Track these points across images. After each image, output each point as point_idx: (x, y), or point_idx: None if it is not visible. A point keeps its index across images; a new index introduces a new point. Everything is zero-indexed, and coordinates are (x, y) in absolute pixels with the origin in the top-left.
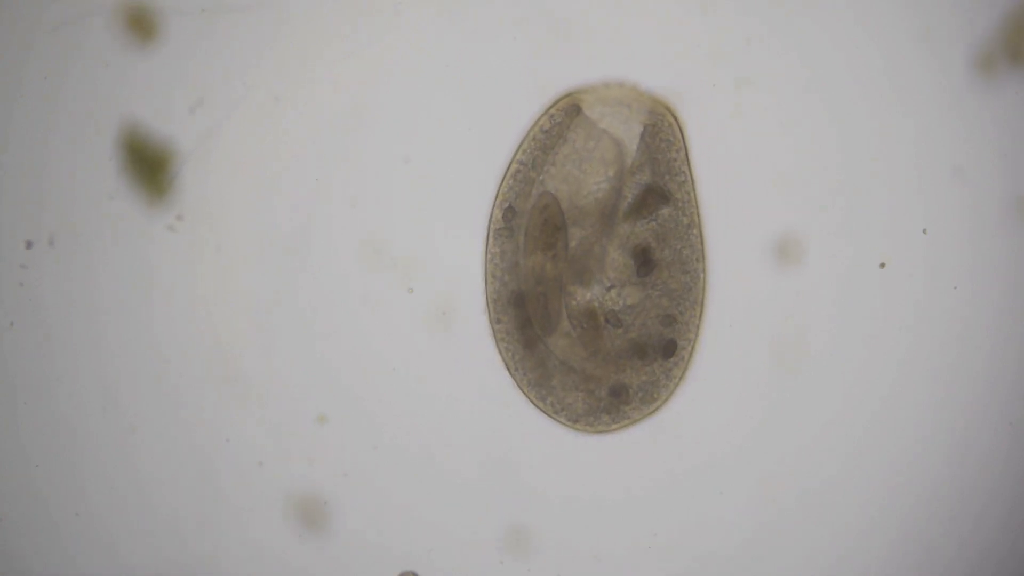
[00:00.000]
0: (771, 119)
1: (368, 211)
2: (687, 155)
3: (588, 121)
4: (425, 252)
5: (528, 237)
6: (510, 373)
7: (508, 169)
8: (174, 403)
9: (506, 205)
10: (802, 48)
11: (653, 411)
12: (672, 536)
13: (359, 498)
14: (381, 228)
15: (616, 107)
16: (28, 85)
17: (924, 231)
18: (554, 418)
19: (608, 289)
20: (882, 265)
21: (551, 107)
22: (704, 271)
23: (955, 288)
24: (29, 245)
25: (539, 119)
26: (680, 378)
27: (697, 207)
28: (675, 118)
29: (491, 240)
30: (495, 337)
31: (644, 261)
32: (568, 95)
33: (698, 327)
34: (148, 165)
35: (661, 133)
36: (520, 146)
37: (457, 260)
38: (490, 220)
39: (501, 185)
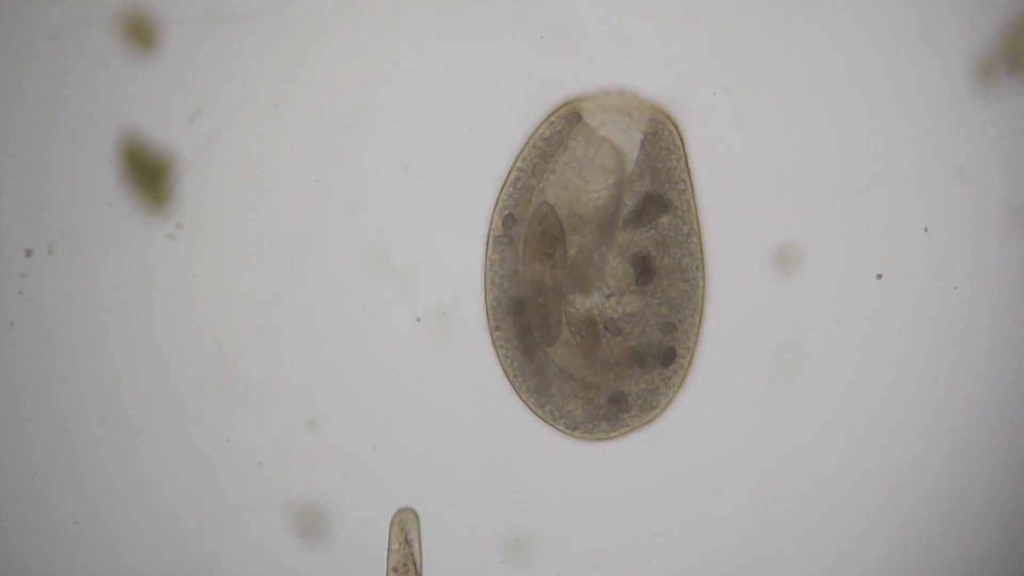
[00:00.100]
0: (771, 127)
1: (368, 218)
2: (687, 163)
3: (588, 129)
4: (425, 259)
5: (527, 246)
6: (509, 380)
7: (508, 176)
8: (174, 404)
9: (506, 212)
10: (802, 57)
11: (652, 419)
12: (672, 536)
13: (359, 498)
14: (381, 235)
15: (616, 115)
16: (28, 93)
17: (926, 229)
18: (553, 425)
19: (607, 297)
20: (879, 276)
21: (551, 115)
22: (704, 279)
23: (955, 288)
24: (28, 253)
25: (539, 126)
26: (679, 386)
27: (697, 215)
28: (675, 126)
29: (491, 247)
30: (494, 344)
31: (644, 269)
32: (568, 103)
33: (697, 335)
34: (148, 174)
35: (661, 141)
36: (520, 153)
37: (457, 267)
38: (490, 227)
39: (501, 192)
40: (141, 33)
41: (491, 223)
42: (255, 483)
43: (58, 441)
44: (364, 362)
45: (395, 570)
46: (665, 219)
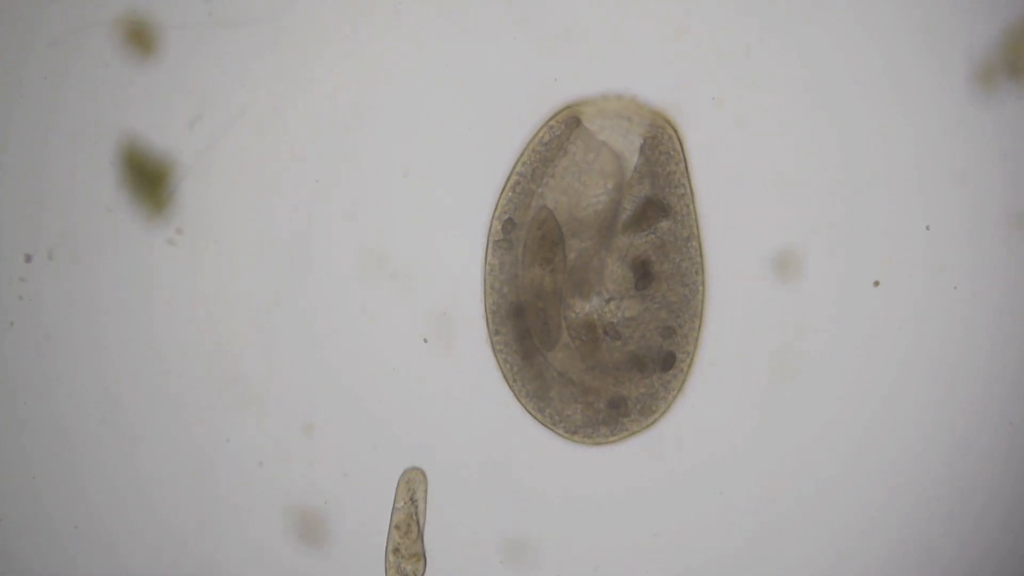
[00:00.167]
0: (771, 131)
1: (367, 222)
2: (687, 168)
3: (588, 133)
4: (424, 262)
5: (526, 251)
6: (508, 384)
7: (508, 181)
8: (174, 404)
9: (506, 217)
10: (802, 62)
11: (651, 423)
12: (672, 537)
13: (359, 498)
14: (380, 238)
15: (616, 120)
16: (27, 98)
17: (927, 227)
18: (552, 430)
19: (607, 301)
20: (876, 284)
21: (551, 119)
22: (703, 283)
23: (955, 288)
24: (28, 258)
25: (539, 131)
26: (679, 390)
27: (696, 220)
28: (675, 131)
29: (490, 252)
30: (493, 348)
31: (643, 274)
32: (568, 107)
33: (697, 339)
34: (147, 179)
35: (661, 146)
36: (520, 158)
37: (456, 271)
38: (489, 232)
39: (501, 197)
40: (141, 38)
41: (491, 228)
42: (255, 483)
43: (58, 441)
44: (364, 363)
45: (397, 527)
46: (665, 224)
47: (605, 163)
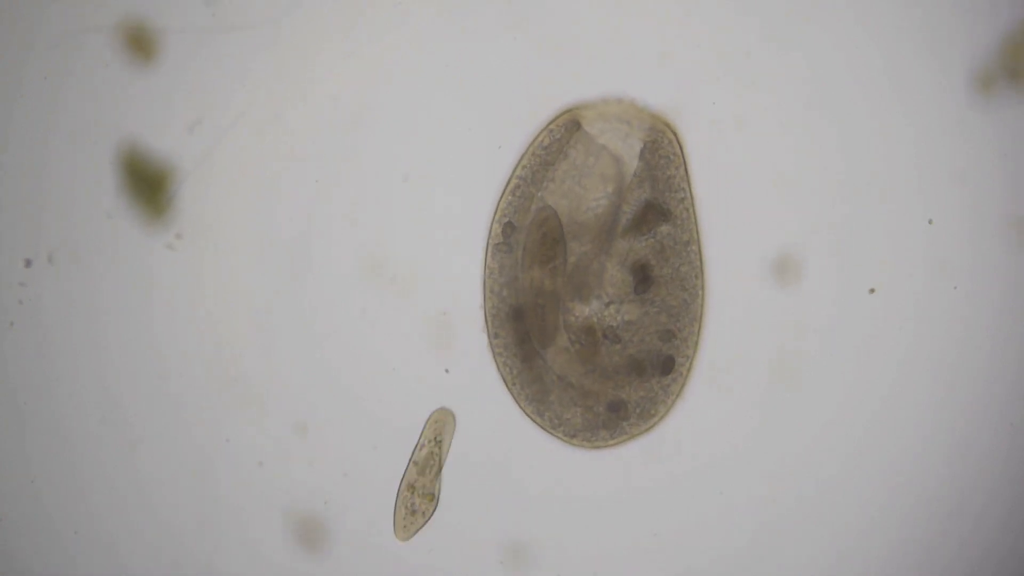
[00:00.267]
0: (771, 136)
1: (367, 224)
2: (687, 172)
3: (588, 137)
4: (424, 265)
5: (527, 251)
6: (507, 387)
7: (507, 184)
8: (174, 405)
9: (505, 220)
10: (804, 66)
11: (651, 426)
12: (672, 537)
13: (359, 498)
14: (380, 241)
15: (616, 123)
16: (26, 102)
17: (930, 221)
18: (552, 433)
19: (607, 305)
20: (871, 291)
21: (551, 123)
22: (703, 287)
23: (955, 288)
24: (28, 263)
25: (539, 135)
26: (678, 394)
27: (696, 224)
28: (675, 135)
29: (490, 255)
30: (493, 351)
31: (642, 278)
32: (568, 111)
33: (696, 343)
34: (147, 184)
35: (661, 150)
36: (519, 162)
37: (456, 274)
38: (489, 235)
39: (500, 201)
40: (140, 43)
41: (490, 231)
42: (255, 483)
43: (58, 441)
44: (364, 363)
45: (415, 463)
46: (664, 228)
47: (605, 167)
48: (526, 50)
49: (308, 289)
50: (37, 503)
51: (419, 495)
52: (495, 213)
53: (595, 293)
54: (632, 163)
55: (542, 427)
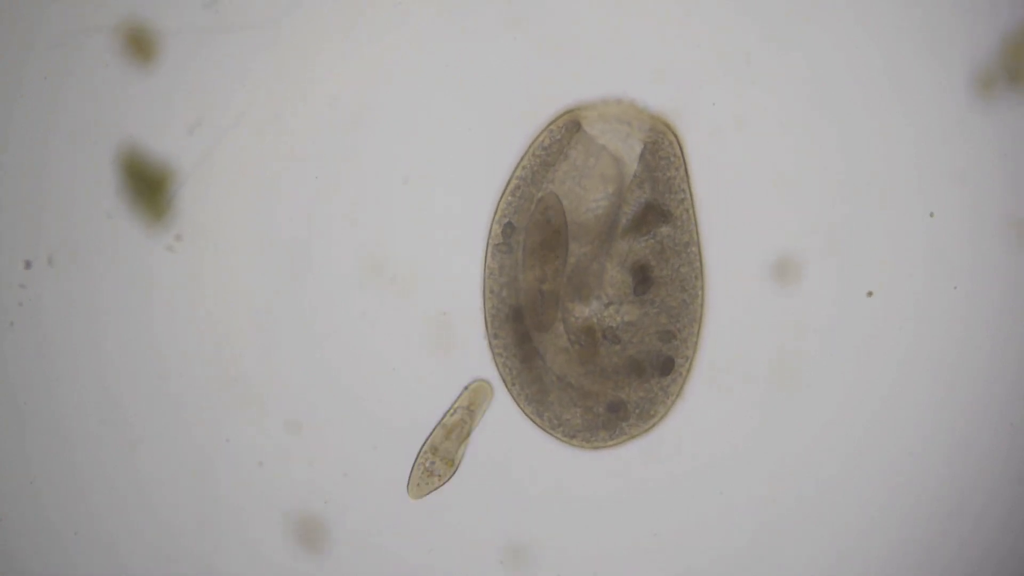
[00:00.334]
0: (771, 138)
1: (367, 224)
2: (687, 173)
3: (588, 138)
4: (424, 266)
5: (529, 237)
6: (507, 388)
7: (507, 185)
8: (174, 405)
9: (505, 221)
10: (804, 66)
11: (650, 427)
12: (672, 537)
13: (359, 498)
14: (380, 242)
15: (616, 124)
16: (26, 102)
17: (931, 214)
18: (551, 433)
19: (606, 306)
20: (869, 294)
21: (551, 123)
22: (703, 289)
23: (955, 288)
24: (28, 264)
25: (539, 135)
26: (677, 395)
27: (696, 225)
28: (675, 136)
29: (489, 256)
30: (492, 352)
31: (642, 279)
32: (568, 111)
33: (696, 344)
34: (147, 185)
35: (661, 151)
36: (520, 162)
37: (456, 274)
38: (488, 236)
39: (500, 201)
40: (140, 44)
41: (490, 231)
42: (255, 483)
43: (57, 441)
44: (364, 363)
45: (444, 425)
46: (664, 229)
47: (605, 167)
48: (526, 50)
49: (308, 289)
50: (37, 503)
51: (440, 458)
52: (495, 213)
53: (595, 294)
54: (632, 164)
55: (541, 428)
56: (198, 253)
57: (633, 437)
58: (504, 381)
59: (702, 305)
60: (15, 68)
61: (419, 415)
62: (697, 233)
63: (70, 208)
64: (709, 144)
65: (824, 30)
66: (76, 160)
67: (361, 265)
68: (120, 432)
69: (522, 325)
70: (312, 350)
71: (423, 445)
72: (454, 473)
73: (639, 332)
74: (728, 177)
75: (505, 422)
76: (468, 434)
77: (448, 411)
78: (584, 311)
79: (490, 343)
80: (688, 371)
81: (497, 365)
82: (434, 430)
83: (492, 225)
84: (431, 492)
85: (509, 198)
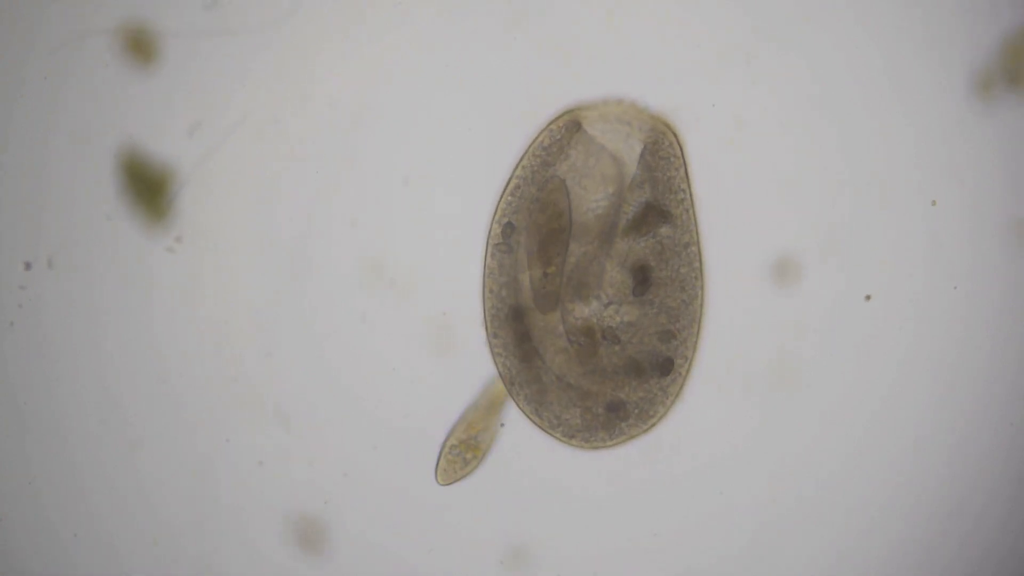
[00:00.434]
0: (771, 138)
1: (367, 226)
2: (687, 173)
3: (588, 138)
4: (423, 266)
5: (533, 222)
6: (507, 387)
7: (507, 185)
8: (174, 405)
9: (505, 221)
10: (804, 66)
11: (650, 427)
12: (672, 537)
13: (359, 498)
14: (380, 242)
15: (616, 124)
16: (27, 106)
17: (933, 203)
18: (550, 433)
19: (606, 306)
20: (867, 298)
21: (551, 123)
22: (702, 289)
23: (955, 288)
24: (28, 266)
25: (539, 135)
26: (677, 395)
27: (696, 226)
28: (675, 136)
29: (489, 255)
30: (492, 351)
31: (641, 280)
32: (569, 111)
33: (695, 344)
34: (147, 187)
35: (661, 151)
36: (520, 162)
37: (456, 274)
38: (488, 236)
39: (500, 201)
40: (141, 46)
41: (490, 231)
42: (255, 483)
43: (58, 442)
44: (364, 364)
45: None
46: (664, 229)
47: (605, 168)
48: (526, 50)
49: (308, 290)
50: (37, 503)
51: (468, 447)
52: (495, 214)
53: (595, 294)
54: (632, 164)
55: (540, 427)
56: (198, 254)
57: (632, 437)
58: (504, 381)
59: (702, 305)
60: (15, 68)
61: (419, 415)
62: (697, 233)
63: (70, 210)
64: (709, 144)
65: (824, 30)
66: (76, 161)
67: (361, 265)
68: (120, 432)
69: (522, 324)
70: (312, 350)
71: (446, 440)
72: (484, 458)
73: (639, 332)
74: (728, 177)
75: (504, 422)
76: (496, 430)
77: (469, 407)
78: (584, 311)
79: (489, 342)
80: (688, 371)
81: (497, 364)
82: (457, 423)
83: (492, 225)
84: (460, 480)
85: (509, 198)
